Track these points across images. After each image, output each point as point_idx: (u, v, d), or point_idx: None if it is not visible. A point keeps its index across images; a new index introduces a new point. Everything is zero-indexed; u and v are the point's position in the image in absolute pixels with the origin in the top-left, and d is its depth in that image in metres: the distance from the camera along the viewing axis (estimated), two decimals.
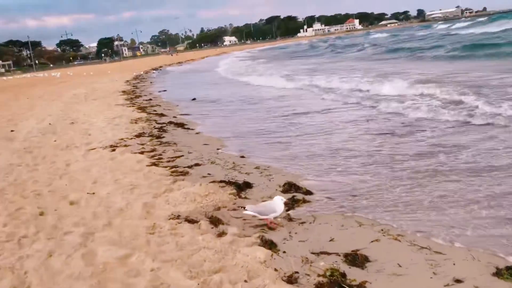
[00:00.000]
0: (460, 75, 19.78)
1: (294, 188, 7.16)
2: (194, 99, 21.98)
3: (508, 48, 29.60)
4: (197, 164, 9.05)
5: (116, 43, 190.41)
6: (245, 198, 6.90)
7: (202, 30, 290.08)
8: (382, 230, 5.65)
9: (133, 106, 19.87)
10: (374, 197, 6.71)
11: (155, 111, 18.23)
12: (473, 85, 15.66)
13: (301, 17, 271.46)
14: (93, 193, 7.45)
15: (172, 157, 9.75)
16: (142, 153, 10.27)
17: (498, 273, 4.55)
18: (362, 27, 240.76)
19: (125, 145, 11.20)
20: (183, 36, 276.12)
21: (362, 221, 5.93)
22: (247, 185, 7.43)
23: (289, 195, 6.79)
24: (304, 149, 10.04)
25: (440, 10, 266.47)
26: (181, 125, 14.33)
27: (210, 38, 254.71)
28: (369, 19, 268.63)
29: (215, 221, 5.95)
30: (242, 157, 9.60)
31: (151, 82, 37.64)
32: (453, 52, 33.91)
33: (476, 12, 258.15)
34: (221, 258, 4.88)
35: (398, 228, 5.71)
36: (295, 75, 28.23)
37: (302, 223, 5.96)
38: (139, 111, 18.16)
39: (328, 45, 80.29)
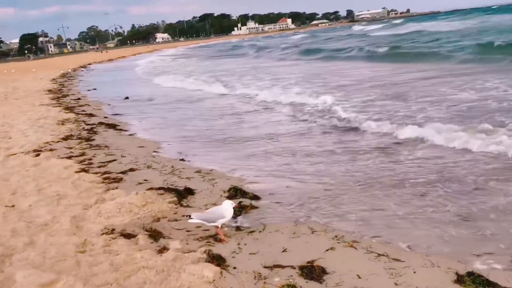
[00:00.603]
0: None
1: (241, 193, 6.69)
2: (127, 98, 20.91)
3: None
4: (131, 169, 8.32)
5: (40, 39, 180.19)
6: (187, 206, 6.33)
7: (133, 26, 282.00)
8: (336, 236, 5.31)
9: (59, 106, 18.50)
10: (326, 201, 6.38)
11: (84, 111, 17.07)
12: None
13: (234, 15, 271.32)
14: (12, 206, 6.55)
15: (103, 162, 8.95)
16: (70, 158, 9.36)
17: (459, 280, 4.33)
18: (294, 26, 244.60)
19: (51, 149, 10.20)
20: (113, 33, 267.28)
21: (314, 227, 5.56)
22: (189, 192, 6.86)
23: (235, 201, 6.29)
24: (247, 151, 9.60)
25: (368, 11, 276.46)
26: (112, 126, 13.40)
27: (141, 35, 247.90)
28: (301, 19, 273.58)
29: (154, 235, 5.34)
30: (182, 160, 9.00)
31: (80, 80, 35.68)
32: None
33: (400, 13, 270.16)
34: (164, 279, 4.30)
35: (352, 233, 5.40)
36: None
37: (251, 232, 5.50)
38: (67, 111, 16.90)
39: (248, 45, 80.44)
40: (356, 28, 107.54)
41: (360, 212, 5.97)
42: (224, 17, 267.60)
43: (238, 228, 5.60)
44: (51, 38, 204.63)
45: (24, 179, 7.91)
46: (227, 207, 5.23)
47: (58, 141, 11.11)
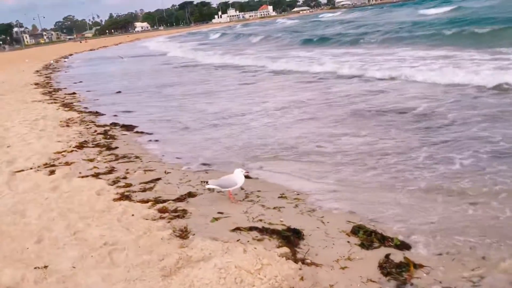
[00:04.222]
0: None
1: (376, 237, 4.64)
2: (119, 92, 18.65)
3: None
4: (190, 194, 6.18)
5: (15, 29, 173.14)
6: (311, 263, 4.24)
7: (111, 16, 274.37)
8: None
9: (56, 103, 16.08)
10: None
11: (86, 108, 14.74)
12: None
13: (214, 3, 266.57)
14: (45, 268, 4.36)
15: (146, 183, 6.78)
16: (97, 176, 7.17)
17: None
18: (275, 14, 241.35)
19: (67, 163, 7.97)
20: (90, 22, 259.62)
21: None
22: (297, 235, 4.78)
23: (376, 252, 4.31)
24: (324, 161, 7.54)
25: None
26: (130, 128, 11.17)
27: (120, 24, 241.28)
28: (282, 6, 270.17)
29: None
30: (247, 177, 6.83)
31: (66, 72, 32.98)
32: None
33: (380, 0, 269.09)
34: None
35: None
36: None
37: None
38: (66, 109, 14.56)
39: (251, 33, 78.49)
40: (329, 14, 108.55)
41: None
42: (204, 5, 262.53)
43: None
44: (26, 28, 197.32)
45: (46, 213, 5.68)
46: (239, 174, 5.75)
47: (71, 151, 8.87)
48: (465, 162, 6.76)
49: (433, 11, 52.72)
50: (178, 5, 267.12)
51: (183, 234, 4.87)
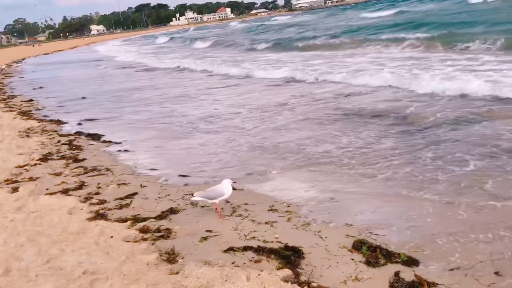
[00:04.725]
0: None
1: (381, 253, 4.34)
2: (84, 97, 17.82)
3: None
4: (172, 210, 5.73)
5: None
6: (309, 284, 3.89)
7: (65, 18, 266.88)
8: None
9: (12, 111, 15.14)
10: None
11: (46, 116, 13.89)
12: None
13: (172, 5, 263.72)
14: None
15: (122, 198, 6.27)
16: (66, 192, 6.59)
17: None
18: (234, 16, 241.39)
19: (31, 178, 7.33)
20: (43, 25, 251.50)
21: None
22: (297, 254, 4.42)
23: (385, 270, 4.02)
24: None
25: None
26: (96, 137, 10.52)
27: (75, 27, 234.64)
28: (240, 8, 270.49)
29: None
30: (234, 188, 6.46)
31: (20, 77, 31.42)
32: None
33: (336, 1, 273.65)
34: None
35: None
36: None
37: None
38: (25, 117, 13.70)
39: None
40: (281, 18, 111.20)
41: None
42: (161, 7, 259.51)
43: None
44: None
45: (13, 238, 5.09)
46: (227, 185, 5.43)
47: (35, 164, 8.20)
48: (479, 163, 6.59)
49: (375, 15, 53.33)
50: (135, 7, 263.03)
51: (171, 257, 4.42)
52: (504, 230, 4.67)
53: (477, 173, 6.26)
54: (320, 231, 4.95)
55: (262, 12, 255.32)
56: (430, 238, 4.63)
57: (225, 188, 5.44)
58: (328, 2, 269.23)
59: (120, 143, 9.81)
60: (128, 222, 5.37)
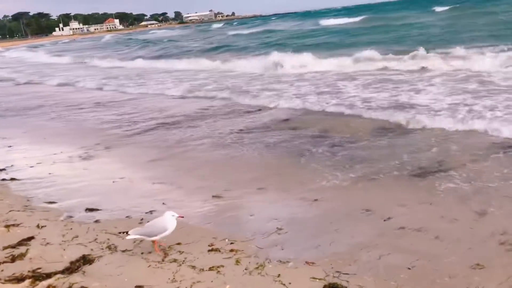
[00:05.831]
0: None
1: None
2: None
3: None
4: (86, 260, 4.46)
5: None
6: None
7: None
8: None
9: None
10: None
11: None
12: None
13: (54, 14, 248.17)
14: None
15: (12, 246, 4.83)
16: None
17: None
18: (122, 27, 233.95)
19: None
20: None
21: None
22: None
23: None
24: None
25: (196, 13, 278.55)
26: None
27: None
28: (129, 19, 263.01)
29: None
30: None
31: None
32: None
33: (226, 16, 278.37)
34: None
35: None
36: None
37: None
38: None
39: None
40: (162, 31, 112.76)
41: None
42: (42, 16, 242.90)
43: None
44: None
45: None
46: (169, 218, 4.60)
47: None
48: None
49: (245, 31, 53.14)
50: (12, 15, 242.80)
51: None
52: None
53: None
54: (279, 275, 4.06)
55: (153, 24, 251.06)
56: (407, 274, 3.97)
57: (168, 222, 4.59)
58: (218, 16, 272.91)
59: (4, 169, 8.10)
60: (26, 282, 4.03)
